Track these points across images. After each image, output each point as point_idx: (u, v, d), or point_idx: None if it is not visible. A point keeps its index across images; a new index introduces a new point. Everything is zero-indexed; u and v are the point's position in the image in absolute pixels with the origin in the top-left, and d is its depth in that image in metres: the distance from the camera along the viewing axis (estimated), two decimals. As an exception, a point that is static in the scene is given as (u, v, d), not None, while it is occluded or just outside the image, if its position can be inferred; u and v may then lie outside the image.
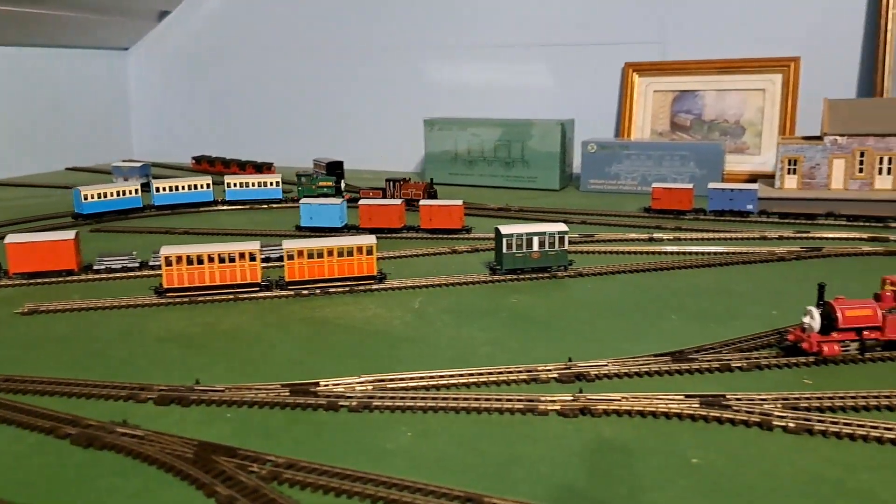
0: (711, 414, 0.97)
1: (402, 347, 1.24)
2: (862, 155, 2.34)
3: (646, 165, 2.77)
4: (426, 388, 1.06)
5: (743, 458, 0.87)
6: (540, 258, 1.64)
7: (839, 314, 1.12)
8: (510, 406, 0.99)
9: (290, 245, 1.55)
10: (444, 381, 1.08)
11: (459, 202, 2.10)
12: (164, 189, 2.54)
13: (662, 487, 0.81)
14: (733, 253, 1.83)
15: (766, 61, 2.85)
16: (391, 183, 2.49)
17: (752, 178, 2.70)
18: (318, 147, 3.43)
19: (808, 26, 2.82)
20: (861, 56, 2.78)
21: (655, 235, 2.04)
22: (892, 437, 0.90)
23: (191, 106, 4.01)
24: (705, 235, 2.03)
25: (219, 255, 1.52)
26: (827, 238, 1.98)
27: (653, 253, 1.86)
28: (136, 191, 2.48)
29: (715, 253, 1.84)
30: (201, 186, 2.58)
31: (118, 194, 2.43)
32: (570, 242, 1.74)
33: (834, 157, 2.37)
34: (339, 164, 2.95)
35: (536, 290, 1.57)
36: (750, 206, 2.25)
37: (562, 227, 1.66)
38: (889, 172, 2.33)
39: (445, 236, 2.07)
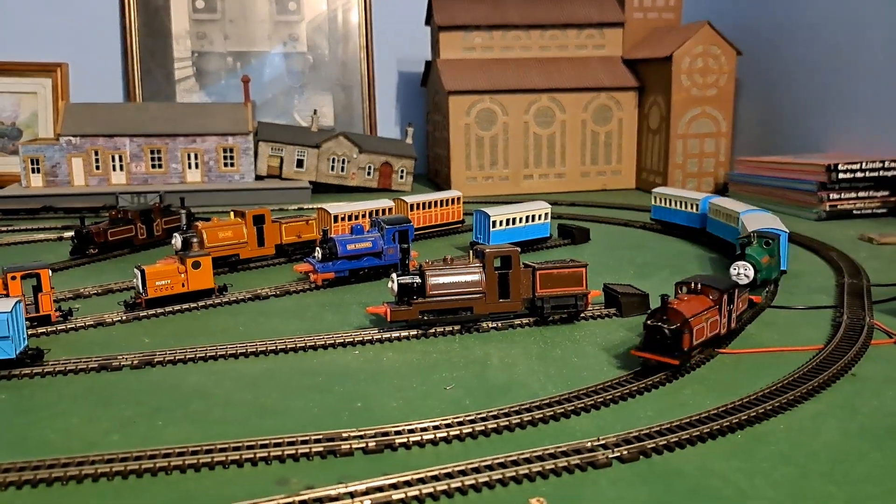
0: None
1: None
2: (97, 153, 2.61)
3: None
4: None
5: None
6: None
7: None
8: None
9: None
10: None
11: None
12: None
13: None
14: None
15: (35, 65, 2.96)
16: None
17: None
18: None
19: (74, 36, 3.01)
20: (122, 65, 3.08)
21: None
22: None
23: None
24: None
25: None
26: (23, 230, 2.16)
27: None
28: None
29: None
30: None
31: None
32: None
33: (72, 156, 2.59)
34: None
35: None
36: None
37: None
38: (122, 168, 2.64)
39: None
